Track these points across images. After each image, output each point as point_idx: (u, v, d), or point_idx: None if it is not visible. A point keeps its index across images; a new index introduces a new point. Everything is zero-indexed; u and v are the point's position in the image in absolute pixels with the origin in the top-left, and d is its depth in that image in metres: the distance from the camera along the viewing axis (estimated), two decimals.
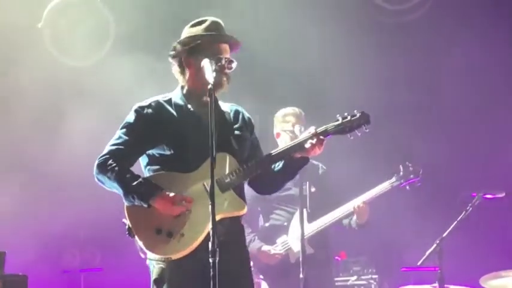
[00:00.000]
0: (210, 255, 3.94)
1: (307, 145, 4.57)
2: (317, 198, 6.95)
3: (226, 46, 4.64)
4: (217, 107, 4.70)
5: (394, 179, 6.99)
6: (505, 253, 7.79)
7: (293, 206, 6.98)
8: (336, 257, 7.76)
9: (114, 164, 4.52)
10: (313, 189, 6.94)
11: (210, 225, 4.16)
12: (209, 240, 3.98)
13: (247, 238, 6.92)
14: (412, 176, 6.96)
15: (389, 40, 8.80)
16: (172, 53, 4.70)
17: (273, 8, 8.59)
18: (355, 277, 7.94)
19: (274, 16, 8.58)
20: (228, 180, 4.51)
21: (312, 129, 4.63)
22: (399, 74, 8.69)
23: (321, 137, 4.58)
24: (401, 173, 6.98)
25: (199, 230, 4.38)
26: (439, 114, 8.71)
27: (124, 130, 4.64)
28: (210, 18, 4.71)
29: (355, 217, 6.99)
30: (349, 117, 4.63)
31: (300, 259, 6.20)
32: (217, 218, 4.31)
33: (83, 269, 8.19)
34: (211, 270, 3.93)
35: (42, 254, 8.35)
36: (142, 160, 4.69)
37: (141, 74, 8.12)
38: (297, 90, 8.57)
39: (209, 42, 4.60)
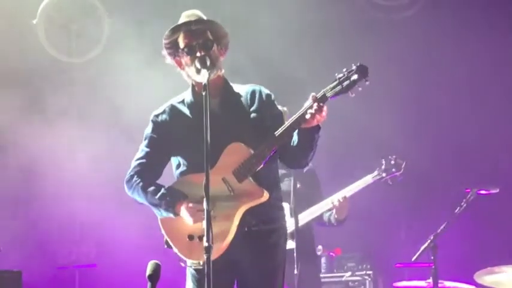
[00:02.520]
0: (204, 252, 3.96)
1: (308, 115, 4.42)
2: (302, 194, 6.93)
3: (197, 31, 4.55)
4: (229, 92, 4.70)
5: (376, 172, 6.91)
6: (499, 249, 7.82)
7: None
8: (331, 253, 7.76)
9: (139, 180, 4.64)
10: (298, 185, 6.92)
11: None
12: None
13: None
14: (394, 169, 6.85)
15: (380, 35, 8.80)
16: (165, 58, 4.72)
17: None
18: (349, 273, 7.95)
19: (266, 7, 8.58)
20: (243, 169, 4.49)
21: (310, 97, 4.45)
22: (390, 68, 8.68)
23: (320, 103, 4.40)
24: (383, 167, 6.88)
25: (227, 226, 4.41)
26: (432, 109, 8.71)
27: (145, 142, 4.75)
28: (184, 12, 4.67)
29: (334, 212, 6.93)
30: (345, 75, 4.41)
31: (295, 255, 6.20)
32: (243, 209, 4.44)
33: (77, 265, 8.18)
34: (205, 266, 3.95)
35: (37, 250, 8.34)
36: (173, 163, 4.76)
37: (137, 69, 8.12)
38: (285, 82, 8.57)
39: (177, 35, 4.58)
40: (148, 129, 4.76)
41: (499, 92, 8.41)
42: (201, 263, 4.43)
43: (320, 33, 8.73)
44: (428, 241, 6.14)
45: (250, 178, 4.50)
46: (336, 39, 8.58)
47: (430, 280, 6.18)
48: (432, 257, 6.11)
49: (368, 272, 7.88)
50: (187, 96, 4.72)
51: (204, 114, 4.11)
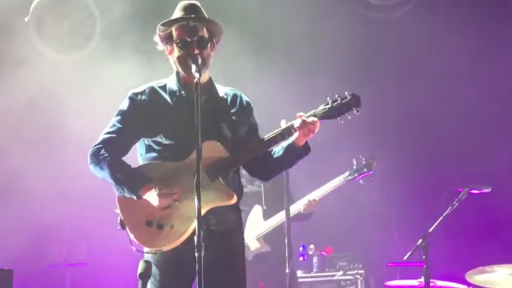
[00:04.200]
0: (195, 249, 3.91)
1: (296, 130, 4.45)
2: (274, 195, 6.91)
3: (194, 27, 4.50)
4: (214, 91, 4.67)
5: (347, 173, 6.95)
6: (490, 248, 7.82)
7: (248, 204, 6.97)
8: (322, 252, 7.77)
9: (106, 154, 4.48)
10: (268, 185, 6.88)
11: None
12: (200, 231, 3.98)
13: None
14: (365, 169, 6.88)
15: (373, 34, 8.80)
16: (157, 44, 4.65)
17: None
18: (341, 272, 7.95)
19: (261, 6, 8.56)
20: (216, 169, 4.45)
21: (300, 114, 4.48)
22: (381, 67, 8.69)
23: (308, 120, 4.42)
24: (354, 167, 6.92)
25: (189, 222, 4.32)
26: (423, 107, 8.71)
27: (118, 118, 4.60)
28: (182, 3, 4.61)
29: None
30: (339, 100, 4.47)
31: (286, 254, 6.20)
32: (207, 208, 4.35)
33: (68, 263, 8.17)
34: (196, 264, 3.91)
35: (28, 249, 8.31)
36: (138, 147, 4.64)
37: (129, 68, 8.11)
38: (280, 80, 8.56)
39: (174, 27, 4.52)
40: (124, 106, 4.62)
41: (492, 90, 8.42)
42: (154, 250, 4.40)
43: (312, 34, 8.72)
44: (420, 240, 6.13)
45: (221, 179, 4.48)
46: (329, 40, 8.57)
47: (422, 279, 6.17)
48: (424, 257, 6.10)
49: (360, 271, 7.88)
50: (171, 83, 4.65)
51: (196, 115, 4.06)
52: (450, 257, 7.76)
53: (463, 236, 8.09)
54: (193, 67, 4.31)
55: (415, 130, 8.66)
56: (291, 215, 6.92)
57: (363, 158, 6.91)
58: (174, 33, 4.53)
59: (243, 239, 4.73)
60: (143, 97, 4.60)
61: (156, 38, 4.61)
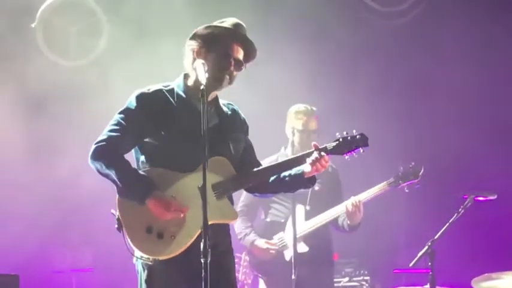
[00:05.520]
0: (201, 256, 3.89)
1: (309, 160, 4.48)
2: (321, 196, 6.86)
3: (239, 47, 4.49)
4: (218, 106, 4.63)
5: (392, 179, 6.83)
6: (496, 255, 7.81)
7: (292, 202, 6.91)
8: None
9: (112, 153, 4.38)
10: (316, 188, 6.82)
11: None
12: (200, 242, 3.92)
13: (243, 232, 6.93)
14: (412, 177, 6.80)
15: (382, 40, 8.80)
16: (189, 41, 4.52)
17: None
18: (347, 278, 7.93)
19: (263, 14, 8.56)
20: (223, 187, 4.46)
21: (312, 146, 4.54)
22: (392, 78, 8.69)
23: (322, 153, 4.47)
24: (400, 174, 6.81)
25: (191, 234, 4.31)
26: (431, 113, 8.70)
27: (123, 116, 4.46)
28: (233, 18, 4.57)
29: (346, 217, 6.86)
30: (348, 138, 4.55)
31: (293, 260, 6.18)
32: (210, 223, 4.28)
33: (74, 269, 8.17)
34: (202, 270, 3.89)
35: (34, 254, 8.32)
36: (136, 152, 4.55)
37: (134, 74, 8.12)
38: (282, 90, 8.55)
39: (225, 36, 4.46)
40: (131, 105, 4.47)
41: (499, 96, 8.41)
42: (151, 258, 4.36)
43: (316, 38, 8.71)
44: (426, 247, 6.14)
45: (226, 198, 4.49)
46: (332, 43, 8.58)
47: (428, 286, 6.17)
48: (430, 263, 6.10)
49: (365, 278, 7.86)
50: (177, 87, 4.57)
51: (202, 127, 4.02)
52: (456, 264, 7.74)
53: (469, 243, 8.08)
54: (226, 80, 4.40)
55: (421, 135, 8.65)
56: (335, 216, 6.87)
57: (411, 165, 6.81)
58: (223, 41, 4.47)
59: (227, 250, 4.63)
60: (151, 98, 4.49)
61: (195, 36, 4.49)
